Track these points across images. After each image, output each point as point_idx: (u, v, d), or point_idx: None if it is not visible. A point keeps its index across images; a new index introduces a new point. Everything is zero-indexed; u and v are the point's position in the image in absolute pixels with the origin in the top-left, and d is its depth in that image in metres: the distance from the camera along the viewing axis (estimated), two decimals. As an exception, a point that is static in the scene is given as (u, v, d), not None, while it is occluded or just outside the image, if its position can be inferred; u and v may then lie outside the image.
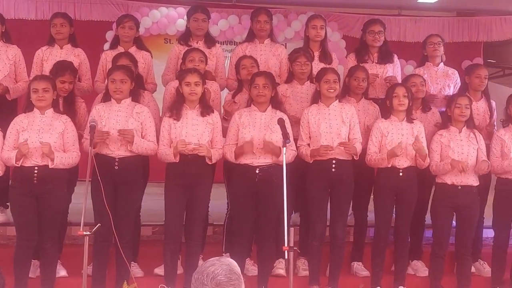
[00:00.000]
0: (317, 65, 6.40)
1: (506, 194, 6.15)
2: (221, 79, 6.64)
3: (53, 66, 6.00)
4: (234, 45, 9.63)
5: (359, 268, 6.39)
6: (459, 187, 6.00)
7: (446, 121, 6.17)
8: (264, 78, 5.78)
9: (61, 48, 6.46)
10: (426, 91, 6.48)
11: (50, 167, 5.44)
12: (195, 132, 5.69)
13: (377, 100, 6.49)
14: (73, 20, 6.78)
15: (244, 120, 5.80)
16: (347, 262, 6.39)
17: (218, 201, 6.56)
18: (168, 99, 6.14)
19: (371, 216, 6.36)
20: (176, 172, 5.67)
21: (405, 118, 6.02)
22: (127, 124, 5.64)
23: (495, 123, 6.61)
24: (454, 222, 6.22)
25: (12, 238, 6.17)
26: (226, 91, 6.73)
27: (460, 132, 6.07)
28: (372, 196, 6.26)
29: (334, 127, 5.87)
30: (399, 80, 6.65)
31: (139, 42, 6.65)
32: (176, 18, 9.84)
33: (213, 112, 5.81)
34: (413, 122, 6.04)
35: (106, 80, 5.88)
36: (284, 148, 5.37)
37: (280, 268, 6.13)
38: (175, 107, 5.75)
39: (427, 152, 5.96)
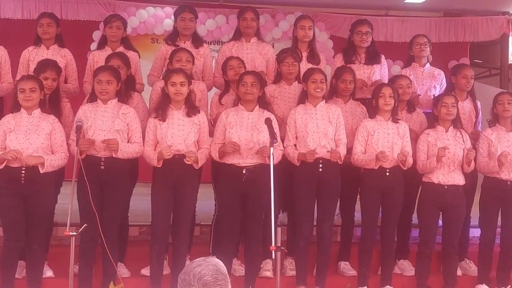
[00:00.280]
0: (305, 66, 6.41)
1: (492, 193, 6.18)
2: (209, 80, 6.63)
3: (36, 65, 5.97)
4: (222, 45, 9.63)
5: (346, 268, 6.40)
6: (446, 186, 6.03)
7: (433, 120, 6.20)
8: (252, 76, 5.79)
9: (48, 48, 6.43)
10: (412, 93, 6.50)
11: (41, 172, 5.41)
12: (181, 132, 5.68)
13: (364, 101, 6.51)
14: (59, 20, 6.74)
15: (231, 119, 5.80)
16: (334, 261, 6.40)
17: (205, 201, 6.55)
18: (155, 99, 6.13)
19: (358, 215, 6.37)
20: (163, 172, 5.66)
21: (391, 118, 6.04)
22: (113, 125, 5.62)
23: (480, 123, 6.64)
24: (440, 222, 6.24)
25: (-2, 239, 6.15)
26: (213, 91, 6.72)
27: (447, 131, 6.10)
28: (359, 196, 6.27)
29: (321, 127, 5.88)
30: (386, 81, 6.66)
31: (126, 42, 6.63)
32: (163, 18, 9.85)
33: (199, 112, 5.80)
34: (398, 122, 6.06)
35: (93, 81, 5.86)
36: (272, 148, 5.37)
37: (267, 270, 6.14)
38: (161, 107, 5.74)
39: (410, 154, 5.99)
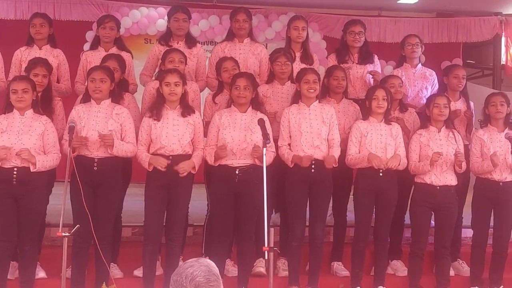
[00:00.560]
0: (298, 66, 6.41)
1: (484, 193, 6.19)
2: (202, 80, 6.63)
3: (27, 64, 5.96)
4: (215, 45, 9.62)
5: (339, 268, 6.41)
6: (438, 187, 6.04)
7: (425, 121, 6.21)
8: (245, 80, 5.78)
9: (40, 48, 6.42)
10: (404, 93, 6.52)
11: (32, 171, 5.40)
12: (175, 132, 5.68)
13: (357, 101, 6.52)
14: (52, 20, 6.73)
15: (224, 121, 5.80)
16: (327, 262, 6.41)
17: (198, 201, 6.55)
18: (148, 99, 6.13)
19: (350, 216, 6.38)
20: (156, 173, 5.65)
21: (384, 120, 6.05)
22: (106, 125, 5.61)
23: (473, 123, 6.65)
24: (433, 222, 6.26)
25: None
26: (206, 91, 6.72)
27: (439, 131, 6.12)
28: (351, 196, 6.28)
29: (315, 126, 5.88)
30: (380, 78, 6.68)
31: (119, 43, 6.62)
32: (156, 18, 9.84)
33: (194, 113, 5.80)
34: (391, 124, 6.07)
35: (86, 81, 5.85)
36: (264, 149, 5.37)
37: (260, 266, 6.14)
38: (156, 107, 5.74)
39: (404, 155, 6.00)
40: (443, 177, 6.05)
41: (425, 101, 6.61)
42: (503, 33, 10.54)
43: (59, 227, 5.05)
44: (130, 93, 6.30)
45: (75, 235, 5.24)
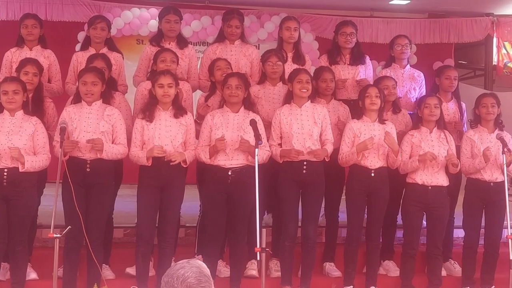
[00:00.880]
0: (290, 67, 6.42)
1: (475, 194, 6.20)
2: (194, 80, 6.63)
3: (17, 65, 5.95)
4: (207, 46, 9.62)
5: (331, 269, 6.42)
6: (429, 187, 6.05)
7: (417, 121, 6.22)
8: (237, 79, 5.78)
9: (31, 49, 6.40)
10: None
11: (20, 171, 5.39)
12: (168, 133, 5.67)
13: (349, 102, 6.52)
14: (43, 21, 6.71)
15: (216, 121, 5.79)
16: (319, 262, 6.42)
17: (190, 202, 6.54)
18: (140, 100, 6.12)
19: (342, 216, 6.39)
20: (149, 173, 5.65)
21: (377, 119, 6.06)
22: (98, 126, 5.60)
23: (465, 124, 6.67)
24: (424, 222, 6.27)
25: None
26: (198, 93, 6.72)
27: (431, 132, 6.13)
28: (343, 197, 6.29)
29: (306, 127, 5.89)
30: (371, 82, 6.69)
31: (110, 43, 6.61)
32: (148, 19, 9.83)
33: (186, 114, 5.80)
34: (384, 123, 6.08)
35: (77, 82, 5.83)
36: (257, 150, 5.37)
37: (252, 269, 6.14)
38: (148, 108, 5.73)
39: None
40: (435, 178, 6.06)
41: (413, 102, 6.66)
42: (494, 34, 10.57)
43: (50, 228, 5.04)
44: (121, 93, 6.29)
45: (67, 236, 5.23)
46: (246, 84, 5.87)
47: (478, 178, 6.17)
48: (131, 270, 5.92)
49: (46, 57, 6.39)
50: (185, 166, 5.69)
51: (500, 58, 10.68)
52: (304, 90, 5.91)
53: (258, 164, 5.37)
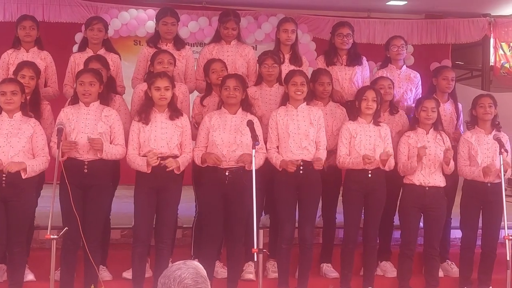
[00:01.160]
0: (287, 68, 6.42)
1: (473, 195, 6.21)
2: (191, 82, 6.63)
3: (15, 68, 5.95)
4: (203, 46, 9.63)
5: (328, 270, 6.42)
6: (427, 188, 6.05)
7: (413, 123, 6.23)
8: (235, 81, 5.78)
9: (27, 51, 6.40)
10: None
11: (23, 177, 5.38)
12: (164, 136, 5.67)
13: (345, 103, 6.52)
14: (40, 22, 6.71)
15: (214, 122, 5.79)
16: (317, 263, 6.42)
17: (187, 203, 6.54)
18: (137, 101, 6.10)
19: (339, 217, 6.39)
20: (146, 175, 5.63)
21: (372, 121, 6.07)
22: (96, 127, 5.60)
23: (461, 125, 6.68)
24: (422, 223, 6.27)
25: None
26: (194, 94, 6.71)
27: (427, 133, 6.13)
28: (340, 198, 6.29)
29: (302, 128, 5.89)
30: (368, 83, 6.69)
31: (108, 44, 6.61)
32: (145, 20, 9.83)
33: (182, 116, 5.79)
34: (380, 125, 6.08)
35: (75, 83, 5.83)
36: (254, 151, 5.37)
37: (249, 272, 6.14)
38: (144, 110, 5.73)
39: (392, 155, 6.02)
40: (432, 178, 6.06)
41: (409, 103, 6.66)
42: (491, 35, 10.60)
43: (47, 229, 5.04)
44: (121, 95, 6.29)
45: (64, 237, 5.23)
46: (244, 85, 5.87)
47: (475, 179, 6.16)
48: (127, 275, 5.91)
49: (42, 59, 6.39)
50: (177, 172, 5.68)
51: (497, 59, 10.70)
52: (299, 93, 5.91)
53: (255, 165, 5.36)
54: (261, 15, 10.10)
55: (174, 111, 5.74)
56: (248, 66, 6.63)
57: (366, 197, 6.05)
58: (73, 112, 5.66)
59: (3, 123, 5.51)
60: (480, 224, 6.32)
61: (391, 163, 6.01)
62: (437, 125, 6.16)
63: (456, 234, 6.72)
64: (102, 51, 6.45)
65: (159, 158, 5.54)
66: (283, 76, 6.22)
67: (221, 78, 6.05)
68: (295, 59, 6.64)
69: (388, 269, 6.50)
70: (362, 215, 6.18)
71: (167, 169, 5.58)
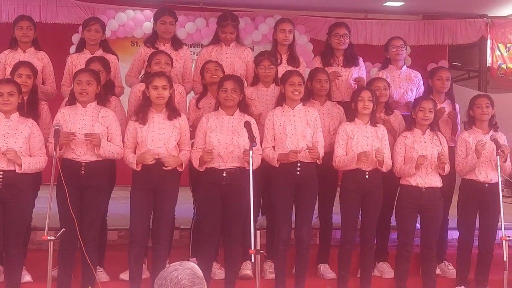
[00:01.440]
0: (284, 69, 6.42)
1: (470, 195, 6.22)
2: (188, 82, 6.63)
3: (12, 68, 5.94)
4: (201, 47, 9.61)
5: (326, 271, 6.42)
6: (423, 189, 6.06)
7: (410, 123, 6.23)
8: (233, 83, 5.78)
9: (24, 51, 6.40)
10: (389, 95, 6.54)
11: (17, 171, 5.38)
12: (161, 136, 5.67)
13: (342, 103, 6.53)
14: (37, 23, 6.70)
15: (211, 124, 5.79)
16: (314, 264, 6.42)
17: (185, 204, 6.54)
18: (134, 102, 6.11)
19: (336, 218, 6.39)
20: (143, 175, 5.64)
21: (369, 122, 6.07)
22: (93, 128, 5.59)
23: (459, 125, 6.68)
24: (418, 224, 6.27)
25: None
26: (191, 94, 6.72)
27: (424, 134, 6.14)
28: (337, 199, 6.29)
29: (299, 128, 5.89)
30: (365, 83, 6.70)
31: (105, 45, 6.60)
32: (143, 20, 9.83)
33: (180, 116, 5.79)
34: (377, 126, 6.09)
35: (72, 83, 5.82)
36: (251, 152, 5.36)
37: (247, 269, 6.14)
38: (141, 110, 5.72)
39: (389, 156, 6.02)
40: (428, 179, 6.07)
41: (410, 103, 6.66)
42: (488, 35, 10.61)
43: (44, 230, 5.03)
44: (117, 96, 6.28)
45: (61, 238, 5.22)
46: (241, 87, 5.87)
47: (473, 179, 6.18)
48: (125, 276, 5.91)
49: (40, 59, 6.39)
50: (181, 170, 5.68)
51: (494, 60, 10.71)
52: (296, 93, 5.91)
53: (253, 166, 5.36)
54: (258, 16, 10.11)
55: (172, 111, 5.74)
56: (247, 68, 6.63)
57: (363, 198, 6.06)
58: (70, 112, 5.66)
59: (0, 124, 5.50)
60: (477, 225, 6.32)
61: (388, 164, 6.01)
62: (434, 125, 6.17)
63: (453, 234, 6.72)
64: (99, 52, 6.45)
65: (155, 159, 5.54)
66: (279, 76, 6.22)
67: (215, 77, 6.06)
68: (293, 59, 6.65)
69: (385, 270, 6.50)
70: (359, 216, 6.18)
71: (165, 167, 5.56)
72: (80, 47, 6.59)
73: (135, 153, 5.69)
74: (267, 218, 6.48)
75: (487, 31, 10.53)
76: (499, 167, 5.85)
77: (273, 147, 5.93)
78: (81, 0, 9.67)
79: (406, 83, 6.87)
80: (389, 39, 7.07)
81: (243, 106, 5.87)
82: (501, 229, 5.73)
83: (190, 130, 5.97)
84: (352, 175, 6.01)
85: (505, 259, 5.52)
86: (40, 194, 6.06)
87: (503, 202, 5.87)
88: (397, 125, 6.46)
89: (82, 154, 5.57)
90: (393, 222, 6.43)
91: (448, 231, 6.74)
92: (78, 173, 5.56)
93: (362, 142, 6.00)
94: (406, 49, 7.00)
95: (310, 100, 6.26)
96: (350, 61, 6.76)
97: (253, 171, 5.30)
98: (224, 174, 5.71)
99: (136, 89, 6.16)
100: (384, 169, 5.99)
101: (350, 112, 6.15)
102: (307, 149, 5.80)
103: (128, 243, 5.86)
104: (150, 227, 5.83)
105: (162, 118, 5.72)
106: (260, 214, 6.55)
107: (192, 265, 2.82)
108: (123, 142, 5.71)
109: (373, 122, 6.09)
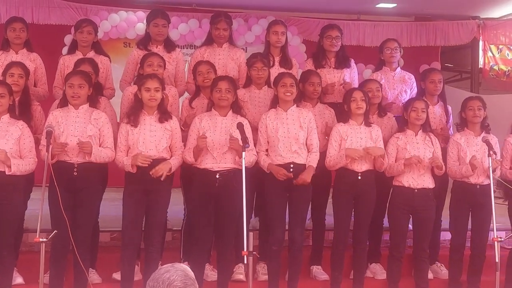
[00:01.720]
0: (277, 70, 6.42)
1: (462, 197, 6.22)
2: (181, 84, 6.62)
3: (3, 69, 5.93)
4: (194, 49, 9.62)
5: (319, 272, 6.42)
6: (416, 190, 6.07)
7: (402, 124, 6.24)
8: (227, 83, 5.77)
9: (17, 53, 6.38)
10: (382, 97, 6.55)
11: (7, 173, 5.37)
12: (153, 138, 5.66)
13: (335, 105, 6.53)
14: (30, 24, 6.69)
15: (204, 124, 5.78)
16: (306, 265, 6.42)
17: (177, 206, 6.51)
18: (126, 104, 6.09)
19: (329, 219, 6.40)
20: (135, 177, 5.62)
21: (363, 122, 6.08)
22: (85, 130, 5.58)
23: (451, 127, 6.70)
24: (411, 225, 6.28)
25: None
26: (184, 96, 6.71)
27: (416, 135, 6.16)
28: (330, 200, 6.30)
29: (292, 131, 5.89)
30: (357, 85, 6.71)
31: (97, 47, 6.59)
32: (135, 22, 9.83)
33: (172, 118, 5.78)
34: (371, 126, 6.10)
35: (64, 85, 5.81)
36: (244, 153, 5.36)
37: (239, 273, 6.13)
38: (133, 113, 5.71)
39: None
40: (421, 180, 6.08)
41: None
42: (480, 37, 10.66)
43: (36, 232, 5.01)
44: (107, 98, 6.27)
45: (53, 240, 5.21)
46: (235, 87, 5.87)
47: (465, 181, 6.18)
48: (117, 276, 5.89)
49: (32, 60, 6.37)
50: (168, 174, 5.66)
51: (486, 61, 10.75)
52: (288, 94, 5.90)
53: (245, 167, 5.36)
54: (251, 17, 10.13)
55: (164, 114, 5.73)
56: (240, 69, 6.63)
57: (355, 199, 6.06)
58: (62, 115, 5.64)
59: (-10, 125, 5.49)
60: (469, 226, 6.33)
61: (385, 163, 6.01)
62: (426, 126, 6.18)
63: (446, 236, 6.73)
64: (91, 54, 6.44)
65: (148, 165, 5.54)
66: (272, 79, 6.22)
67: (207, 80, 6.06)
68: (285, 61, 6.65)
69: (378, 271, 6.51)
70: (352, 217, 6.18)
71: (162, 178, 5.56)
72: (72, 49, 6.58)
73: (126, 155, 5.68)
74: (260, 219, 6.48)
75: (479, 32, 10.58)
76: (491, 168, 5.85)
77: (267, 150, 5.92)
78: (73, 1, 9.65)
79: (400, 84, 6.89)
80: (384, 41, 7.09)
81: (236, 107, 5.86)
82: (493, 230, 5.74)
83: (181, 129, 5.96)
84: (345, 176, 6.02)
85: (497, 260, 5.52)
86: (33, 196, 6.04)
87: (495, 203, 5.87)
88: (389, 128, 6.47)
89: (74, 156, 5.55)
90: (385, 223, 6.44)
91: (441, 232, 6.75)
92: (70, 175, 5.54)
93: (356, 144, 6.00)
94: (400, 51, 7.01)
95: (302, 102, 6.26)
96: (342, 63, 6.78)
97: (246, 172, 5.30)
98: (217, 176, 5.70)
99: (129, 91, 6.15)
100: (382, 167, 5.99)
101: (343, 113, 6.15)
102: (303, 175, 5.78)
103: (120, 244, 5.85)
104: (143, 229, 5.82)
105: (153, 121, 5.71)
106: (253, 215, 6.55)
107: (184, 267, 2.82)
108: (117, 145, 5.70)
109: (368, 122, 6.09)
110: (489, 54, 10.67)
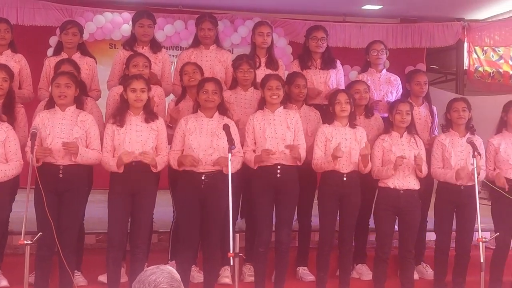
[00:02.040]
0: (264, 72, 6.43)
1: (446, 197, 6.25)
2: (167, 85, 6.61)
3: None
4: (180, 50, 9.64)
5: (305, 273, 6.43)
6: (401, 191, 6.09)
7: (388, 126, 6.27)
8: (214, 84, 5.77)
9: (1, 54, 6.36)
10: (369, 98, 6.57)
11: None
12: (139, 138, 5.64)
13: (321, 106, 6.55)
14: (14, 25, 6.66)
15: (190, 126, 5.77)
16: (293, 267, 6.43)
17: (163, 208, 6.51)
18: (112, 104, 6.07)
19: (315, 220, 6.40)
20: (120, 179, 5.60)
21: (348, 124, 6.09)
22: (71, 132, 5.56)
23: (436, 128, 6.73)
24: (397, 226, 6.30)
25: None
26: (170, 97, 6.70)
27: (401, 136, 6.18)
28: (316, 201, 6.31)
29: (279, 132, 5.89)
30: (343, 86, 6.73)
31: (83, 48, 6.58)
32: (121, 23, 9.79)
33: (158, 119, 5.77)
34: (356, 128, 6.11)
35: (50, 87, 5.78)
36: (230, 155, 5.35)
37: (225, 276, 6.12)
38: (119, 113, 5.70)
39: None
40: (406, 181, 6.10)
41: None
42: (465, 39, 10.71)
43: (21, 235, 4.98)
44: (94, 99, 6.25)
45: (39, 243, 5.18)
46: (221, 89, 5.87)
47: (449, 182, 6.21)
48: (103, 278, 5.87)
49: (17, 62, 6.35)
50: (154, 171, 5.66)
51: (471, 63, 10.80)
52: (275, 97, 5.91)
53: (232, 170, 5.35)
54: (237, 19, 10.12)
55: (150, 114, 5.72)
56: (226, 71, 6.63)
57: (341, 200, 6.07)
58: (49, 116, 5.61)
59: (-25, 128, 5.45)
60: (454, 227, 6.36)
61: (367, 167, 6.03)
62: (411, 128, 6.21)
63: (431, 236, 6.76)
64: (77, 55, 6.42)
65: (133, 162, 5.52)
66: (258, 80, 6.22)
67: (192, 80, 6.05)
68: (271, 62, 6.66)
69: (363, 272, 6.53)
70: (338, 218, 6.20)
71: (143, 160, 5.51)
72: (58, 50, 6.56)
73: (113, 156, 5.67)
74: (246, 221, 6.47)
75: (464, 34, 10.62)
76: (475, 168, 5.88)
77: (254, 150, 5.93)
78: (58, 3, 9.61)
79: (386, 86, 6.92)
80: (370, 42, 7.12)
81: (222, 108, 5.86)
82: (477, 231, 5.77)
83: (169, 126, 5.93)
84: (330, 178, 6.03)
85: (482, 261, 5.54)
86: (17, 198, 6.01)
87: (479, 204, 5.90)
88: (376, 129, 6.49)
89: (60, 158, 5.52)
90: (371, 224, 6.46)
91: (426, 233, 6.79)
92: (56, 177, 5.51)
93: (341, 145, 6.01)
94: (386, 53, 7.05)
95: (288, 104, 6.26)
96: (327, 64, 6.80)
97: (232, 173, 5.29)
98: (203, 177, 5.69)
99: (114, 92, 6.13)
100: (366, 170, 6.01)
101: (329, 114, 6.16)
102: (287, 147, 5.80)
103: (106, 246, 5.83)
104: (128, 231, 5.80)
105: (139, 121, 5.69)
106: (239, 217, 6.54)
107: (170, 269, 2.82)
108: (103, 145, 5.68)
109: (352, 124, 6.11)
110: (474, 55, 10.73)
